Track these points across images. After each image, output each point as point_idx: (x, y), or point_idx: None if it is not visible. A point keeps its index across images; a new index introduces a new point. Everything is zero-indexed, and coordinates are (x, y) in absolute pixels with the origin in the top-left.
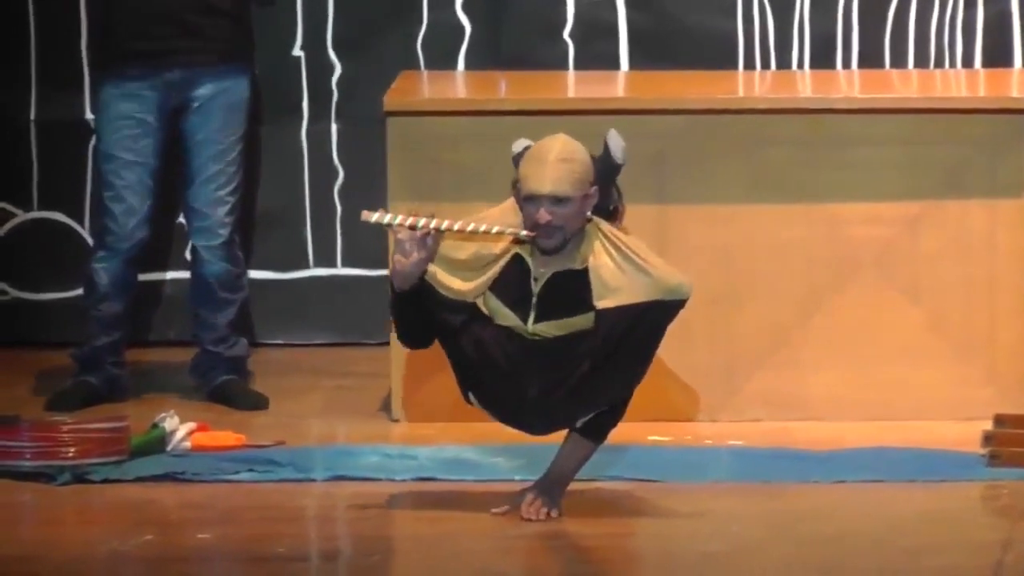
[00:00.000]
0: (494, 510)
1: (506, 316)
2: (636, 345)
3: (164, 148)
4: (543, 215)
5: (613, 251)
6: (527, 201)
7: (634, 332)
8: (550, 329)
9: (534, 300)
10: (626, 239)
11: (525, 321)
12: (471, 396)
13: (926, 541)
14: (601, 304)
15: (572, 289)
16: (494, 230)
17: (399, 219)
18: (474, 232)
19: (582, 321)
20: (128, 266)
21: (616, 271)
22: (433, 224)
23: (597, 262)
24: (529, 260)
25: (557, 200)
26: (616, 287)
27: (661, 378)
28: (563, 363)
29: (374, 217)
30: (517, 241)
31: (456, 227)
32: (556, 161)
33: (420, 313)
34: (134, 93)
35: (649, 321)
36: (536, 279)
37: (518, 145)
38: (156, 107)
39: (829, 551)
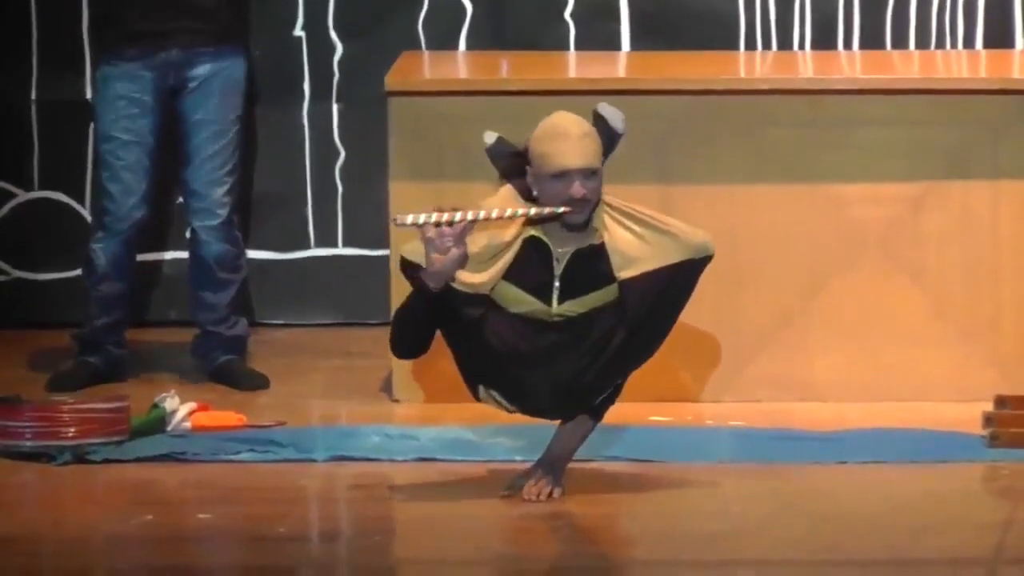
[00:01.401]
0: (503, 493)
1: (526, 301)
2: (668, 308)
3: (161, 128)
4: (578, 189)
5: (627, 221)
6: (555, 179)
7: (666, 296)
8: (573, 308)
9: (557, 281)
10: (638, 207)
11: (548, 303)
12: (481, 391)
13: (927, 521)
14: (624, 275)
15: (593, 265)
16: (532, 212)
17: (433, 217)
18: (512, 217)
19: (603, 295)
20: (127, 246)
21: (635, 240)
22: (470, 216)
23: (612, 235)
24: (547, 240)
25: (589, 173)
26: (637, 256)
27: (664, 358)
28: (593, 339)
29: (409, 219)
30: (545, 219)
31: (494, 215)
32: (581, 136)
33: (437, 316)
34: (131, 73)
35: (680, 282)
36: (558, 259)
37: (489, 137)
38: (153, 87)
39: (831, 531)
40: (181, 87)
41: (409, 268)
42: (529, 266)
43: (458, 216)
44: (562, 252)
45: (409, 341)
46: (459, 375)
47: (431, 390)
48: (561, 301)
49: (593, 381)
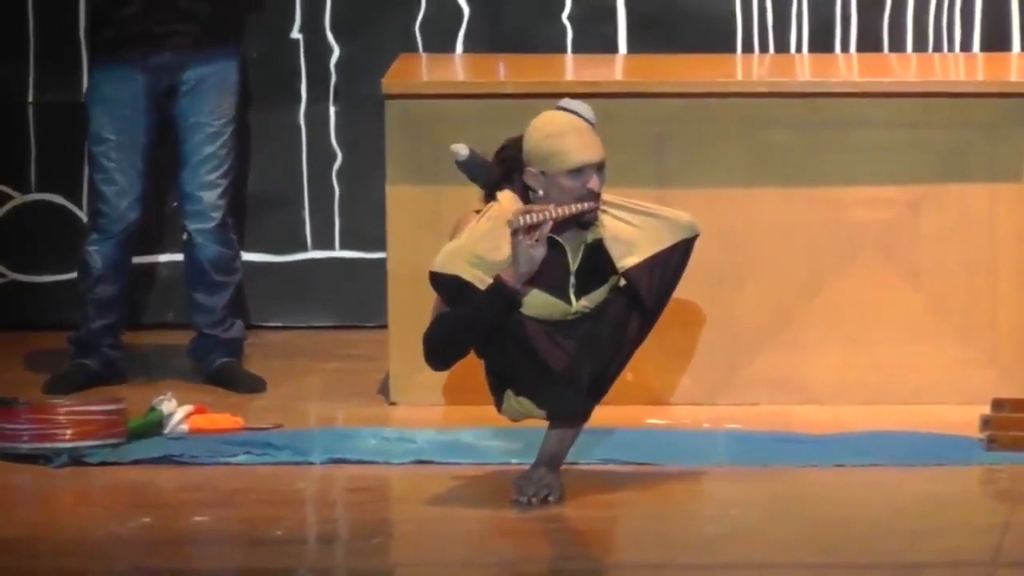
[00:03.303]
0: (514, 498)
1: (545, 303)
2: (668, 288)
3: (155, 130)
4: (596, 182)
5: (619, 212)
6: (571, 175)
7: (667, 276)
8: (586, 304)
9: (572, 277)
10: (623, 198)
11: (568, 300)
12: (506, 401)
13: (925, 525)
14: (626, 263)
15: (599, 259)
16: (587, 206)
17: (536, 217)
18: (578, 212)
19: (606, 289)
20: (122, 248)
21: (629, 228)
22: (555, 214)
23: (607, 228)
24: (560, 240)
25: (602, 167)
26: (634, 242)
27: (661, 360)
28: (609, 331)
29: (521, 221)
30: (576, 216)
31: (560, 211)
32: (588, 131)
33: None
34: (124, 75)
35: (678, 262)
36: (571, 256)
37: (463, 149)
38: (145, 89)
39: (828, 534)
40: (175, 90)
41: (448, 281)
42: (547, 267)
43: (545, 215)
44: (573, 248)
45: (458, 352)
46: (458, 379)
47: (428, 393)
48: (578, 297)
49: (617, 370)
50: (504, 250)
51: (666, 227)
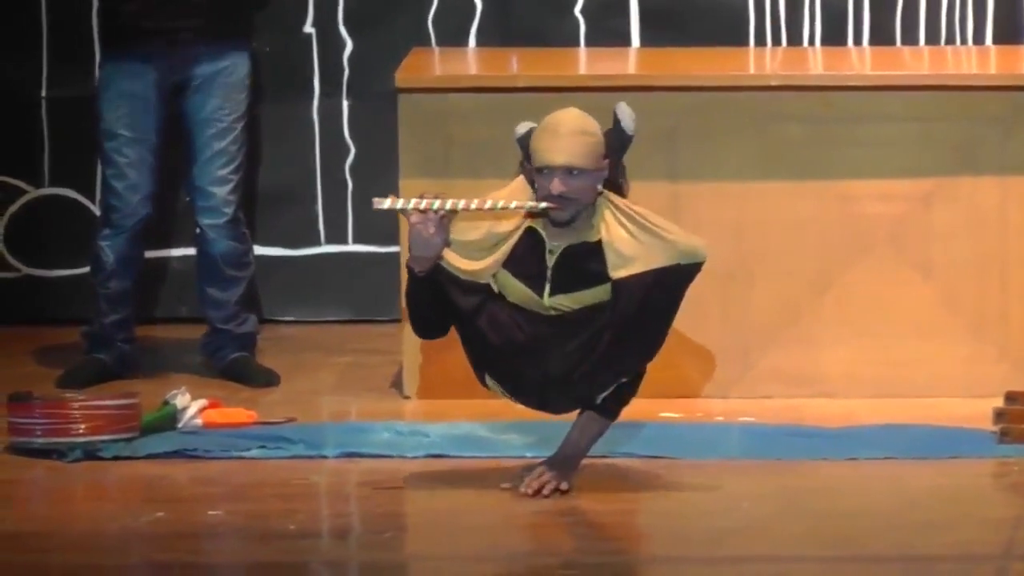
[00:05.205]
0: (503, 485)
1: (521, 291)
2: (655, 311)
3: (165, 125)
4: (556, 185)
5: (627, 222)
6: (539, 173)
7: (652, 298)
8: (566, 302)
9: (548, 273)
10: (639, 209)
11: (540, 295)
12: (487, 379)
13: (937, 518)
14: (617, 274)
15: (587, 262)
16: (513, 205)
17: (412, 203)
18: (492, 208)
19: (598, 294)
20: (134, 243)
21: (631, 241)
22: (448, 206)
23: (610, 234)
24: (543, 233)
25: (570, 172)
26: (632, 256)
27: (674, 354)
28: (585, 337)
29: (386, 204)
30: (531, 215)
31: (473, 206)
32: (570, 133)
33: (436, 298)
34: (134, 71)
35: (667, 285)
36: (551, 252)
37: (522, 127)
38: (155, 84)
39: (841, 528)
40: (185, 85)
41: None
42: (525, 256)
43: (436, 204)
44: (556, 245)
45: (417, 321)
46: (469, 368)
47: (442, 386)
48: (552, 294)
49: (584, 379)
50: (480, 230)
51: (663, 248)
